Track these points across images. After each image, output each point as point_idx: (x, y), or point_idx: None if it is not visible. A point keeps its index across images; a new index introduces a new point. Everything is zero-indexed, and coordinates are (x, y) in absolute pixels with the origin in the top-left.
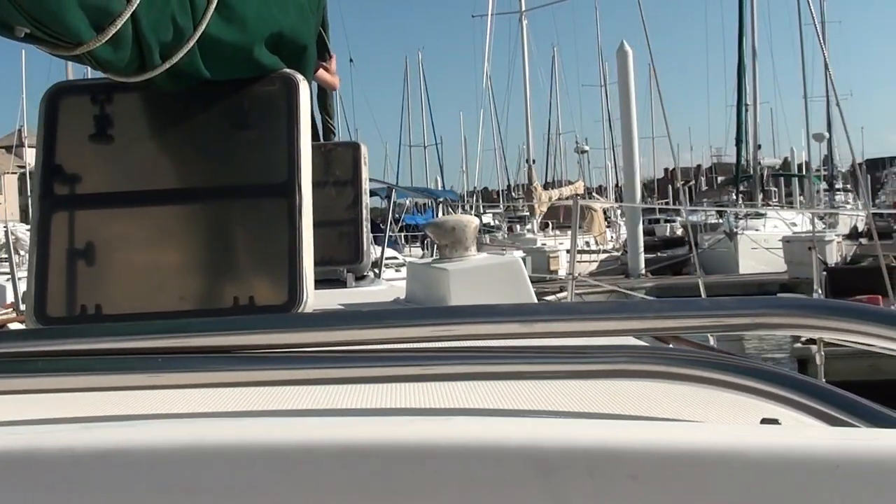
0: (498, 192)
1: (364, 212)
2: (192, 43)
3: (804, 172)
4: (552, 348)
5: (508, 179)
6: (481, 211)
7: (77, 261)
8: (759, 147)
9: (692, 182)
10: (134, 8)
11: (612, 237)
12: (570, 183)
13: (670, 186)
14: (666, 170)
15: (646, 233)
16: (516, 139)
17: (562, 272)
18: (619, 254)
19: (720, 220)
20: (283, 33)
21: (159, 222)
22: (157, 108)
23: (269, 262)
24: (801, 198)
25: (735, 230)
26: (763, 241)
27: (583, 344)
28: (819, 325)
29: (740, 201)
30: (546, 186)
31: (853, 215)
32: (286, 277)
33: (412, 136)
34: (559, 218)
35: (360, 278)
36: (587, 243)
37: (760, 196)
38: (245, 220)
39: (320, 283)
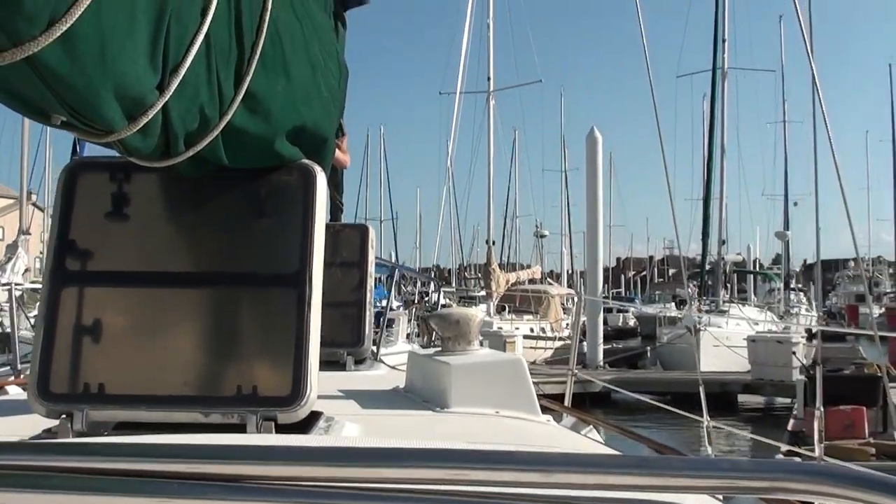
0: (450, 270)
1: (368, 295)
2: (216, 132)
3: (760, 269)
4: (565, 498)
5: (462, 259)
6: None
7: (83, 338)
8: (724, 242)
9: (645, 272)
10: (166, 99)
11: (567, 324)
12: (524, 267)
13: (622, 276)
14: (618, 259)
15: None
16: (472, 219)
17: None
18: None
19: (679, 314)
20: (306, 126)
21: (168, 305)
22: (174, 191)
23: (275, 353)
24: (755, 296)
25: (697, 326)
26: (725, 339)
27: (597, 496)
28: (840, 494)
29: (702, 296)
30: (501, 268)
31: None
32: (291, 370)
33: (368, 210)
34: (515, 302)
35: (359, 361)
36: (542, 329)
37: (722, 292)
38: (254, 309)
39: (320, 364)
